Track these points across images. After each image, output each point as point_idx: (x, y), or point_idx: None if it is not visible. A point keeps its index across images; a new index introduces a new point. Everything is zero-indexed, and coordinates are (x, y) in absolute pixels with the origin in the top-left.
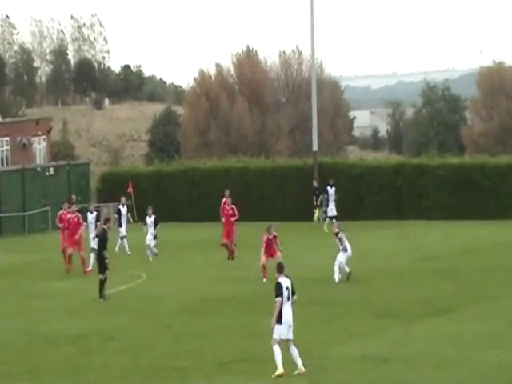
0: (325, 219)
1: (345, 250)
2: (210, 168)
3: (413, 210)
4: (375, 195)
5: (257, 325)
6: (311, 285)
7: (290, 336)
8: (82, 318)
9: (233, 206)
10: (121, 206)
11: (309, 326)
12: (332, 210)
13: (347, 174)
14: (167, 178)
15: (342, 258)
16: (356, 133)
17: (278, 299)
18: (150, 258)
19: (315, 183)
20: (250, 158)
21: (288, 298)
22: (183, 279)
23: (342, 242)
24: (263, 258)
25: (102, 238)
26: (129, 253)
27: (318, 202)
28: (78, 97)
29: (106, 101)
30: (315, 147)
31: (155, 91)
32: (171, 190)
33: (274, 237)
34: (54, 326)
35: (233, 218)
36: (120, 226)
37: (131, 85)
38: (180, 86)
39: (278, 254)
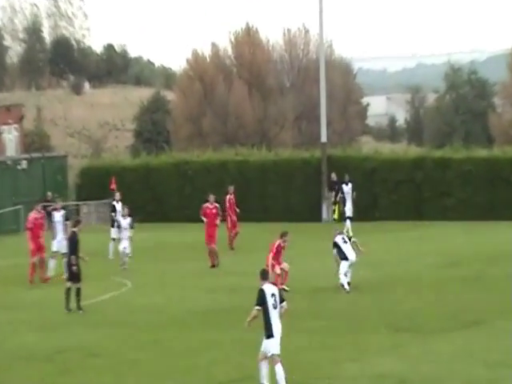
0: (345, 220)
1: (345, 258)
2: (205, 161)
3: (435, 210)
4: (392, 193)
5: (256, 339)
6: (319, 294)
7: (278, 350)
8: (59, 331)
9: (216, 205)
10: (115, 203)
11: (316, 341)
12: (349, 210)
13: (360, 169)
14: (156, 172)
15: (344, 267)
16: (370, 122)
17: (257, 308)
18: (126, 266)
19: (334, 176)
20: (250, 150)
21: (275, 307)
22: (173, 288)
23: (340, 251)
24: (277, 267)
25: (72, 243)
26: (111, 257)
27: (338, 198)
28: (55, 80)
29: (86, 85)
30: (324, 138)
31: (142, 74)
32: (160, 186)
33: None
34: (27, 341)
35: (217, 220)
36: (113, 225)
37: (115, 67)
38: (170, 69)
39: (285, 264)
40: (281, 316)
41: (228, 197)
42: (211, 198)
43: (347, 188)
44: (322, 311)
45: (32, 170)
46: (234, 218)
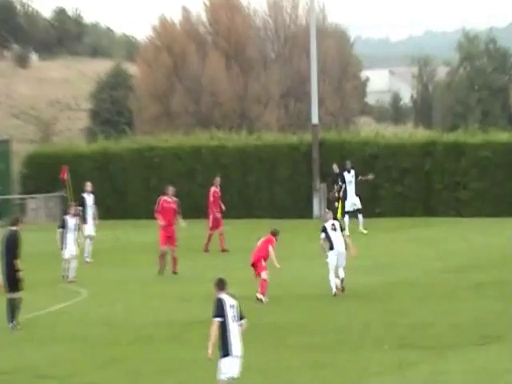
0: (345, 214)
1: (331, 248)
2: (174, 147)
3: (446, 204)
4: (396, 184)
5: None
6: (310, 303)
7: (237, 373)
8: (2, 350)
9: (176, 199)
10: (86, 195)
11: (307, 359)
12: (353, 203)
13: (358, 156)
14: (116, 159)
15: (332, 258)
16: (370, 99)
17: (217, 320)
18: (74, 279)
19: (336, 168)
20: (228, 134)
21: (234, 320)
22: (136, 296)
23: (327, 238)
24: (264, 272)
25: (11, 244)
26: (88, 260)
27: (341, 194)
28: None
29: (34, 56)
30: (315, 119)
31: (99, 44)
32: (121, 176)
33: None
34: None
35: (176, 218)
36: (85, 221)
37: (67, 35)
38: (133, 38)
39: (265, 273)
40: (240, 334)
41: (213, 189)
42: (170, 190)
43: (349, 176)
44: (313, 324)
45: None
46: (218, 215)
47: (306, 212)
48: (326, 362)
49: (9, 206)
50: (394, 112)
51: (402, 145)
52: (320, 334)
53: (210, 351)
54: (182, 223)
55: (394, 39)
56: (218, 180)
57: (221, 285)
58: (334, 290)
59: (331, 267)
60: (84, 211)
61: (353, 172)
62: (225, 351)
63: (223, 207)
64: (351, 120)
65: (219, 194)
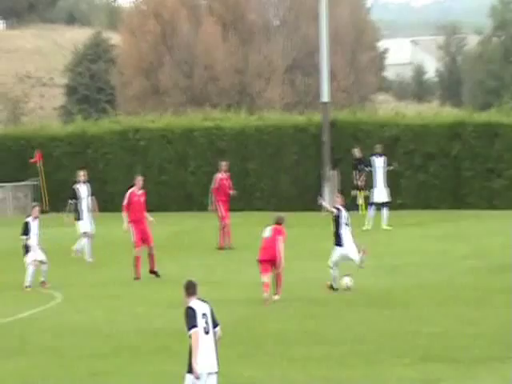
0: (370, 205)
1: (339, 244)
2: (162, 128)
3: (477, 194)
4: (419, 171)
5: (231, 372)
6: (319, 309)
7: None
8: None
9: (144, 191)
10: (78, 186)
11: (315, 376)
12: (381, 193)
13: (376, 139)
14: (96, 143)
15: (337, 255)
16: (390, 74)
17: (195, 331)
18: (46, 285)
19: (356, 152)
20: (224, 113)
21: (206, 331)
22: (118, 301)
23: (337, 230)
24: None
25: None
26: (90, 259)
27: (361, 182)
28: None
29: (0, 24)
30: (325, 96)
31: (76, 10)
32: (101, 162)
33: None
34: None
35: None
36: (79, 217)
37: (39, 0)
38: (115, 2)
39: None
40: (215, 344)
41: (219, 177)
42: (139, 180)
43: (380, 161)
44: (323, 333)
45: None
46: (226, 206)
47: (313, 204)
48: (337, 378)
49: None
50: (417, 88)
51: (426, 126)
52: (331, 344)
53: (198, 368)
54: (149, 218)
55: (417, 4)
56: (224, 165)
57: (191, 289)
58: (334, 285)
59: (334, 264)
60: (77, 205)
61: (384, 158)
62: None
63: (232, 193)
64: (368, 97)
65: (228, 181)
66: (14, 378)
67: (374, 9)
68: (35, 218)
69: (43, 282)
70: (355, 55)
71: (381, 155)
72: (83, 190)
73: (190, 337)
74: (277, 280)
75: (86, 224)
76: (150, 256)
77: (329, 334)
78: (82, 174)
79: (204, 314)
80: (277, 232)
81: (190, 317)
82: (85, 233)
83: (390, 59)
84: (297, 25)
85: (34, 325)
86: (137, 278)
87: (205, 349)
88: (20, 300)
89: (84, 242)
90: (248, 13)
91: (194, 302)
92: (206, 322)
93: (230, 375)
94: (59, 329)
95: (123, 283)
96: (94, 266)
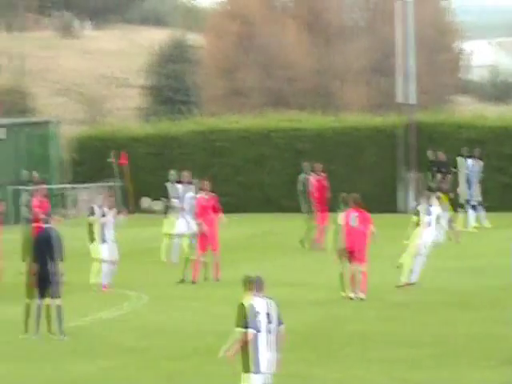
0: (460, 208)
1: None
2: (243, 129)
3: None
4: (502, 173)
5: (314, 374)
6: (400, 311)
7: None
8: (45, 362)
9: (213, 195)
10: (179, 186)
11: (396, 378)
12: (473, 193)
13: (454, 141)
14: (175, 144)
15: (414, 250)
16: (470, 75)
17: (251, 332)
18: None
19: (431, 155)
20: (302, 115)
21: (269, 331)
22: (196, 302)
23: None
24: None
25: (50, 244)
26: (175, 260)
27: (435, 184)
28: (34, 19)
29: (80, 25)
30: (412, 98)
31: (157, 11)
32: (181, 163)
33: None
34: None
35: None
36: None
37: (119, 0)
38: (192, 3)
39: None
40: (277, 344)
41: (315, 179)
42: (206, 184)
43: (471, 164)
44: (404, 334)
45: (12, 142)
46: (322, 208)
47: (395, 205)
48: (417, 380)
49: (51, 197)
50: (497, 90)
51: (508, 128)
52: (412, 346)
53: (229, 352)
54: (224, 219)
55: (499, 3)
56: (318, 166)
57: (253, 284)
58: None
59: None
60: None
61: (481, 162)
62: (256, 368)
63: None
64: (448, 99)
65: (323, 183)
66: (94, 380)
67: (456, 10)
68: (109, 208)
69: (105, 284)
70: (435, 56)
71: (481, 158)
72: (185, 189)
73: (240, 333)
74: (362, 277)
75: (184, 223)
76: (215, 264)
77: (409, 336)
78: (186, 175)
79: (267, 314)
80: (366, 220)
81: (250, 313)
82: (178, 235)
83: (471, 61)
84: (379, 26)
85: (115, 326)
86: (193, 282)
87: (265, 350)
88: (95, 300)
89: (166, 243)
90: (327, 13)
91: (257, 300)
92: (269, 322)
93: (313, 377)
94: (140, 330)
95: (201, 284)
96: (171, 266)
